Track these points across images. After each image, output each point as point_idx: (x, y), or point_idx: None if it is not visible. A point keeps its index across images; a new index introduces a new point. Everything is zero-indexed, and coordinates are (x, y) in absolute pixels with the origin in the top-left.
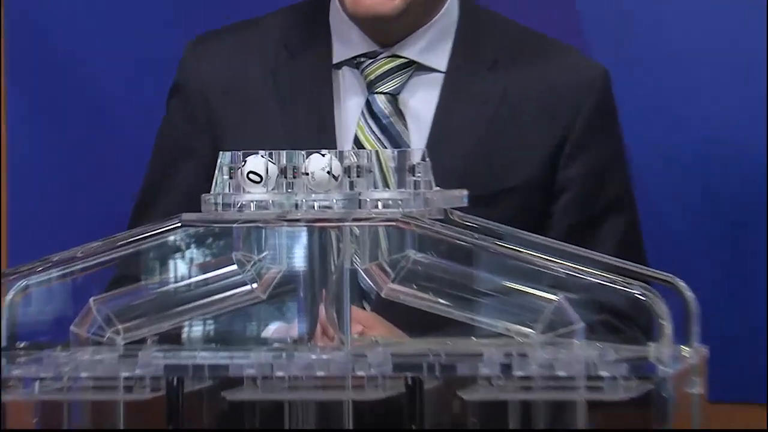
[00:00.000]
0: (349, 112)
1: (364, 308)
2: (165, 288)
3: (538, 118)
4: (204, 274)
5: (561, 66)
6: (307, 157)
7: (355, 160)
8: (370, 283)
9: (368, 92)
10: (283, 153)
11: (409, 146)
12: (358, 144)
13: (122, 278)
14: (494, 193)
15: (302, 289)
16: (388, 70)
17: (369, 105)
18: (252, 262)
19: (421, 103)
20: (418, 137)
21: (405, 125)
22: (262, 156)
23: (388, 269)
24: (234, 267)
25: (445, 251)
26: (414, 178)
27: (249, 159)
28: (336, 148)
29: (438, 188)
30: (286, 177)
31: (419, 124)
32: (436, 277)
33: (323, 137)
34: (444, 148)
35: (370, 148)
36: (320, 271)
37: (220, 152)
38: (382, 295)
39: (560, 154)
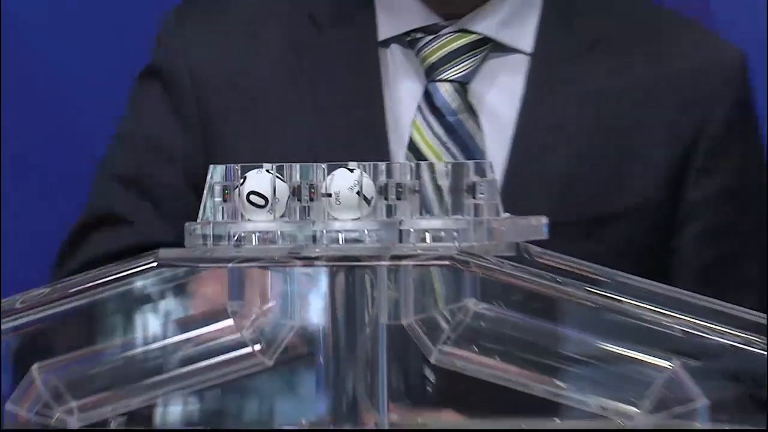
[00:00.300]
0: (401, 106)
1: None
2: (134, 351)
3: (656, 118)
4: (187, 331)
5: (685, 48)
6: (329, 173)
7: (395, 176)
8: (416, 344)
9: (427, 80)
10: (296, 167)
11: (483, 153)
12: (414, 151)
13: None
14: (595, 220)
15: (322, 352)
16: (455, 50)
17: (429, 97)
18: (253, 316)
19: (500, 95)
20: (496, 141)
21: (478, 124)
22: (267, 171)
23: (440, 325)
24: (229, 322)
25: (518, 301)
26: (474, 201)
27: (250, 175)
28: (389, 158)
29: (507, 214)
30: (300, 199)
31: (497, 124)
32: (504, 337)
33: (369, 141)
34: (530, 158)
35: (431, 157)
36: (347, 329)
37: (211, 165)
38: (432, 360)
39: (688, 167)
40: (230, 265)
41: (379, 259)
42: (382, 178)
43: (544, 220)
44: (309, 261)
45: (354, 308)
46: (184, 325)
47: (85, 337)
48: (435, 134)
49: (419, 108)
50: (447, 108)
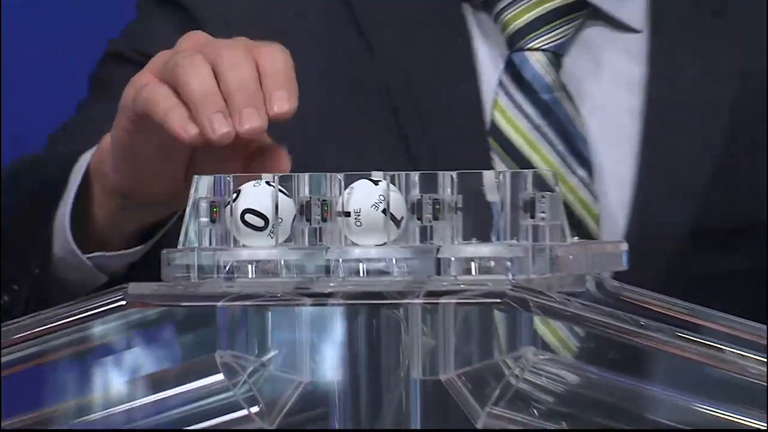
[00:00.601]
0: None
1: None
2: (95, 415)
3: None
4: (165, 390)
5: None
6: (346, 185)
7: (431, 188)
8: (458, 406)
9: (509, 50)
10: (305, 177)
11: (586, 143)
12: (498, 137)
13: None
14: (731, 232)
15: (337, 417)
16: (546, 14)
17: (513, 69)
18: (249, 369)
19: (601, 74)
20: (597, 132)
21: (575, 108)
22: (267, 183)
23: (489, 381)
24: (219, 377)
25: (590, 350)
26: (533, 222)
27: (246, 188)
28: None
29: (575, 239)
30: (309, 220)
31: (598, 111)
32: (572, 397)
33: (468, 127)
34: (662, 157)
35: (522, 145)
36: (369, 386)
37: (195, 176)
38: (479, 426)
39: None
40: (220, 304)
41: (411, 296)
42: (415, 192)
43: (623, 246)
44: (321, 299)
45: (378, 360)
46: (162, 380)
47: (34, 397)
48: (525, 115)
49: (501, 83)
50: (540, 83)
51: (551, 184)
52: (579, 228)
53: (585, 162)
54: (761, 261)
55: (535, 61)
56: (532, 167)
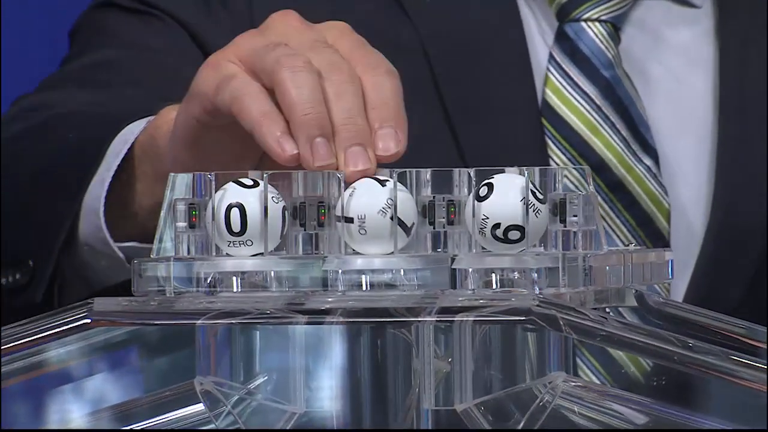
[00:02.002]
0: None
1: None
2: None
3: None
4: (134, 423)
5: None
6: (347, 185)
7: (446, 187)
8: None
9: (559, 21)
10: (299, 175)
11: (649, 130)
12: (552, 118)
13: None
14: None
15: None
16: None
17: (567, 41)
18: (234, 398)
19: (662, 52)
20: (663, 115)
21: (635, 88)
22: (254, 181)
23: (513, 411)
24: (198, 408)
25: (630, 374)
26: (563, 227)
27: (229, 188)
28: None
29: (617, 247)
30: (304, 225)
31: (664, 93)
32: (610, 430)
33: (519, 108)
34: (740, 152)
35: (583, 129)
36: (373, 416)
37: (170, 174)
38: None
39: None
40: (199, 322)
41: (421, 313)
42: (426, 192)
43: (668, 255)
44: (317, 316)
45: (385, 386)
46: (127, 415)
47: None
48: (583, 94)
49: (552, 57)
50: (602, 58)
51: (585, 181)
52: (648, 225)
53: (651, 150)
54: None
55: (596, 33)
56: (594, 154)
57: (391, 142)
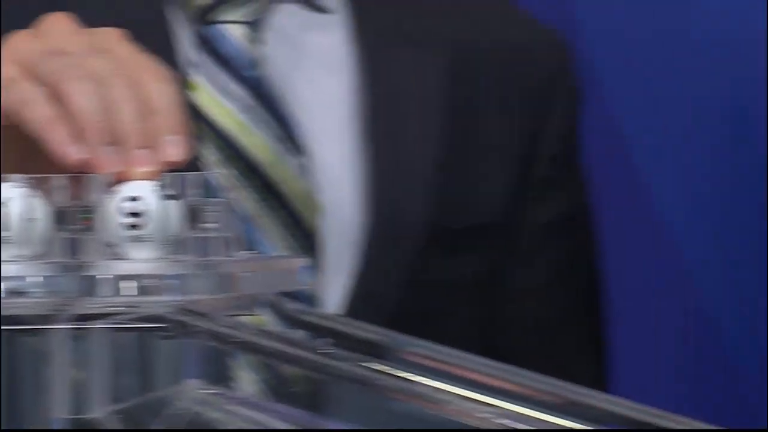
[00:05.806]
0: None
1: None
2: None
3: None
4: None
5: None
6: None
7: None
8: None
9: (200, 24)
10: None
11: (300, 127)
12: (204, 123)
13: None
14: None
15: None
16: None
17: (207, 42)
18: None
19: (303, 59)
20: (310, 119)
21: (280, 90)
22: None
23: (149, 419)
24: None
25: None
26: (201, 234)
27: None
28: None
29: (249, 252)
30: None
31: (308, 95)
32: None
33: None
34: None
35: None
36: (8, 426)
37: None
38: None
39: None
40: None
41: (54, 320)
42: (59, 196)
43: (299, 262)
44: None
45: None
46: None
47: None
48: (230, 95)
49: (193, 62)
50: (245, 58)
51: (221, 188)
52: (300, 226)
53: (302, 150)
54: (490, 264)
55: (235, 36)
56: (246, 155)
57: (175, 148)
